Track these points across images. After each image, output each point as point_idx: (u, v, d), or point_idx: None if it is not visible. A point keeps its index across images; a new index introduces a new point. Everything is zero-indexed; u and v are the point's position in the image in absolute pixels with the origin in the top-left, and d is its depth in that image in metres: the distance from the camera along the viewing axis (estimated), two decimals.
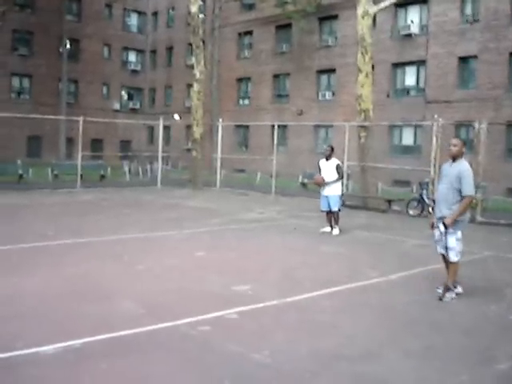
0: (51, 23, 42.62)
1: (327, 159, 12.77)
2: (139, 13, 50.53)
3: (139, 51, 50.56)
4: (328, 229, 12.71)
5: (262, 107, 38.04)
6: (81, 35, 45.25)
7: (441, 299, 7.12)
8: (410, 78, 31.46)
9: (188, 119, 30.60)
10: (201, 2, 26.35)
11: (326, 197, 12.72)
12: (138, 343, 5.33)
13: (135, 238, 11.16)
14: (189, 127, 31.86)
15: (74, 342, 5.17)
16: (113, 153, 42.39)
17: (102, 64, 47.20)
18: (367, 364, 5.00)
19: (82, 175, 22.94)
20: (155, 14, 50.11)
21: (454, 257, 7.28)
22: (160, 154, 25.51)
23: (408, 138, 31.28)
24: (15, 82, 43.18)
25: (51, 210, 15.85)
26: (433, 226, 7.51)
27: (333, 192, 12.72)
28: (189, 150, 28.24)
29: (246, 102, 40.96)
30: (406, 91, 31.63)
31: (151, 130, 46.57)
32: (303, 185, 26.13)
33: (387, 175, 25.35)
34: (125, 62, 49.72)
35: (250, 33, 40.30)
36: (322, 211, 12.98)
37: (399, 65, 31.47)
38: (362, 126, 19.32)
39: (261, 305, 6.65)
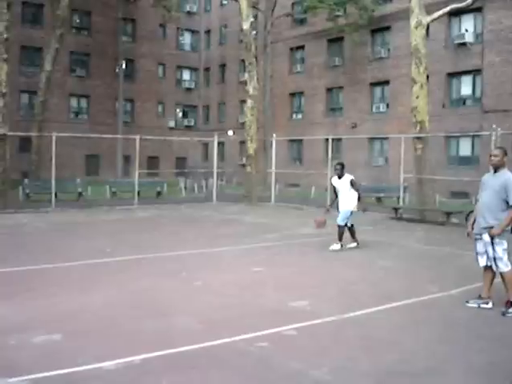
0: (107, 44, 43.78)
1: (339, 177, 12.22)
2: (192, 31, 51.33)
3: (193, 69, 51.30)
4: (338, 245, 11.98)
5: (316, 121, 37.98)
6: (136, 55, 46.26)
7: (504, 314, 6.92)
8: (465, 87, 30.90)
9: (242, 135, 30.84)
10: (253, 19, 26.57)
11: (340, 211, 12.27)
12: (197, 359, 5.34)
13: (192, 254, 11.25)
14: (243, 143, 32.06)
15: (135, 358, 5.23)
16: (169, 170, 43.01)
17: (156, 83, 48.08)
18: (430, 380, 4.88)
19: (139, 192, 23.33)
20: (208, 32, 50.81)
21: (504, 267, 7.07)
22: (215, 170, 25.72)
23: (465, 149, 30.66)
24: (73, 102, 44.40)
25: (110, 227, 16.15)
26: (468, 235, 7.36)
27: (344, 207, 12.14)
28: (243, 166, 28.38)
29: (300, 116, 40.99)
30: (462, 101, 31.06)
31: (206, 147, 47.07)
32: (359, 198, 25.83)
33: (444, 187, 24.88)
34: (179, 80, 50.49)
35: (301, 47, 40.44)
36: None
37: (454, 74, 30.95)
38: (417, 138, 19.04)
39: (319, 321, 6.59)
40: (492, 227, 7.01)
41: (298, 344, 5.84)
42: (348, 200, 12.10)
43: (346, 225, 12.13)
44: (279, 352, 5.52)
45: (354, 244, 12.24)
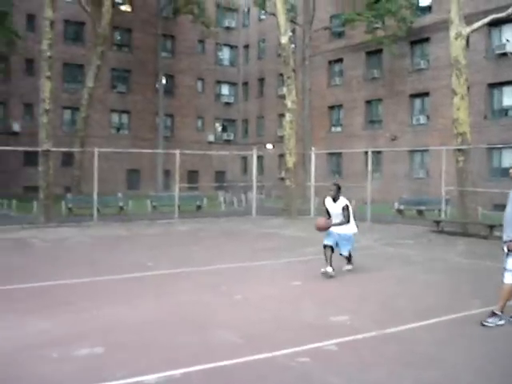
0: (147, 61, 44.44)
1: (334, 200, 10.61)
2: (231, 46, 51.73)
3: (232, 84, 51.64)
4: (329, 269, 10.24)
5: (355, 134, 37.80)
6: (175, 71, 46.80)
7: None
8: (507, 98, 30.37)
9: (281, 148, 30.85)
10: (291, 33, 26.65)
11: (337, 234, 10.45)
12: (238, 374, 5.34)
13: (232, 268, 11.28)
14: (282, 156, 32.08)
15: (176, 372, 5.26)
16: (208, 183, 43.26)
17: (196, 98, 48.54)
18: None
19: (179, 206, 23.51)
20: (246, 46, 51.15)
21: (508, 279, 7.01)
22: (254, 184, 25.78)
23: (507, 160, 30.05)
24: (114, 118, 45.10)
25: (150, 241, 16.31)
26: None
27: (344, 230, 10.51)
28: (282, 179, 28.36)
29: (338, 129, 40.84)
30: (504, 112, 30.53)
31: (245, 160, 47.24)
32: (399, 211, 25.57)
33: (487, 199, 24.41)
34: (218, 95, 50.87)
35: (340, 60, 40.38)
36: (325, 245, 10.48)
37: (496, 85, 30.47)
38: (459, 150, 18.78)
39: (360, 336, 6.52)
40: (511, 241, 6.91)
41: (339, 359, 5.79)
42: (345, 225, 10.52)
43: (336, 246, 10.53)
44: (320, 367, 5.49)
45: (330, 269, 10.27)
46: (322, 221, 10.52)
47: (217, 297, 8.58)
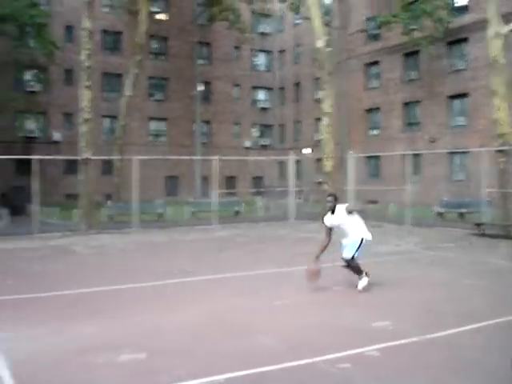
0: (184, 68, 44.82)
1: (332, 212, 9.61)
2: (266, 52, 51.82)
3: (268, 89, 51.70)
4: (364, 279, 9.54)
5: (393, 136, 37.44)
6: (212, 77, 47.07)
7: None
8: None
9: (318, 153, 30.75)
10: (326, 37, 26.57)
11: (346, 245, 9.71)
12: (279, 380, 5.34)
13: (271, 273, 11.28)
14: (319, 160, 31.98)
15: (218, 378, 5.28)
16: (246, 189, 43.34)
17: (232, 104, 48.74)
18: None
19: (217, 212, 23.61)
20: (282, 51, 51.16)
21: None
22: (292, 189, 25.74)
23: None
24: (152, 125, 45.55)
25: (189, 247, 16.42)
26: None
27: (351, 238, 9.64)
28: (320, 183, 28.27)
29: (376, 132, 40.51)
30: None
31: (282, 165, 47.16)
32: (439, 214, 25.21)
33: None
34: (254, 101, 50.97)
35: (376, 63, 40.07)
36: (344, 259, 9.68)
37: None
38: (500, 151, 18.46)
39: (402, 341, 6.45)
40: None
41: (381, 365, 5.74)
42: (354, 230, 9.63)
43: (353, 257, 9.56)
44: (362, 373, 5.45)
45: (365, 280, 9.53)
46: (311, 268, 9.51)
47: (257, 302, 8.59)
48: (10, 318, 7.79)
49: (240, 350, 6.18)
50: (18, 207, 30.14)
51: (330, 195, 9.84)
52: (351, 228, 9.58)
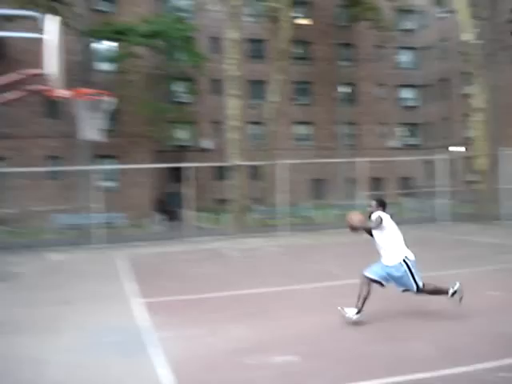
0: (327, 71, 44.85)
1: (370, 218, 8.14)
2: (410, 49, 50.51)
3: (413, 87, 50.35)
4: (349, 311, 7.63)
5: None
6: (355, 78, 46.67)
7: None
8: None
9: (468, 150, 29.44)
10: (475, 29, 25.42)
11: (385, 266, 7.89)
12: None
13: (425, 277, 10.93)
14: (468, 158, 30.63)
15: (371, 383, 5.22)
16: (392, 190, 42.51)
17: (377, 104, 48.00)
18: None
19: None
20: (426, 47, 49.63)
21: None
22: (441, 189, 24.87)
23: None
24: (297, 129, 45.97)
25: (337, 250, 16.39)
26: None
27: (386, 261, 7.88)
28: (471, 183, 27.07)
29: None
30: None
31: (430, 165, 45.68)
32: None
33: None
34: (399, 100, 49.88)
35: None
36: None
37: None
38: None
39: None
40: None
41: None
42: (388, 247, 7.91)
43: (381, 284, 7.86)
44: None
45: (352, 312, 7.61)
46: (354, 217, 8.11)
47: (408, 307, 8.38)
48: (168, 318, 8.22)
49: (392, 355, 6.08)
50: (171, 212, 31.76)
51: (374, 200, 8.28)
52: (384, 242, 7.95)
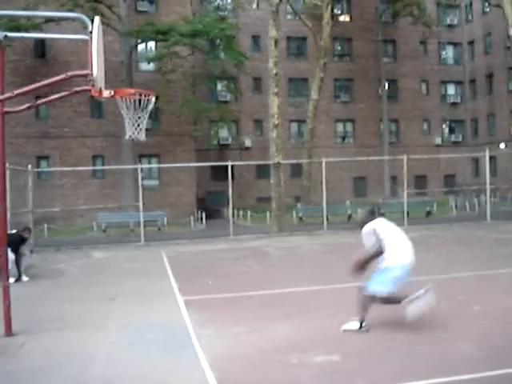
0: (369, 68, 44.47)
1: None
2: (454, 44, 49.67)
3: (457, 83, 49.52)
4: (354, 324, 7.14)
5: None
6: (398, 75, 46.14)
7: None
8: None
9: None
10: None
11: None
12: None
13: (468, 277, 10.76)
14: None
15: None
16: (437, 188, 41.92)
17: (420, 100, 47.36)
18: None
19: (407, 212, 23.07)
20: (471, 43, 48.77)
21: None
22: (487, 187, 24.39)
23: None
24: (339, 127, 45.70)
25: None
26: None
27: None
28: None
29: None
30: None
31: (476, 162, 44.95)
32: None
33: None
34: (443, 96, 49.10)
35: None
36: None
37: None
38: None
39: None
40: None
41: None
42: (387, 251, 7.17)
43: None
44: None
45: (354, 325, 7.15)
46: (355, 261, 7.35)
47: (453, 307, 8.24)
48: (210, 316, 8.26)
49: (438, 356, 5.97)
50: (214, 211, 31.96)
51: (363, 210, 7.64)
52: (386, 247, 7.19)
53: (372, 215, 7.42)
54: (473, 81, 48.81)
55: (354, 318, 7.12)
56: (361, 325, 7.07)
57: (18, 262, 12.08)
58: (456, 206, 30.31)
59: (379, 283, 6.98)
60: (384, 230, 7.25)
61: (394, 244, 7.20)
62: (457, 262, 12.71)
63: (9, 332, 7.52)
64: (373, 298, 7.03)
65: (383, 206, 27.91)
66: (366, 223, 7.29)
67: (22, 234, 12.51)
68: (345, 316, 7.79)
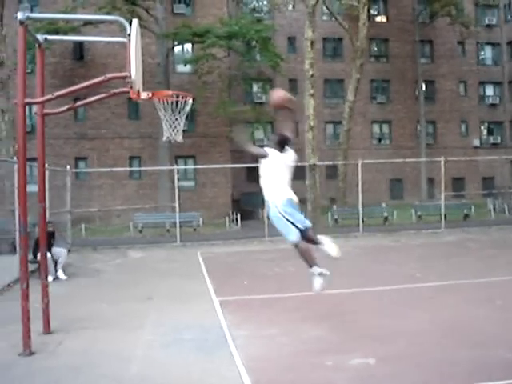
0: (405, 69, 44.04)
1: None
2: (493, 44, 48.87)
3: (496, 83, 48.71)
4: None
5: None
6: (435, 76, 45.60)
7: None
8: None
9: None
10: None
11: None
12: None
13: (506, 281, 10.57)
14: None
15: None
16: (475, 191, 41.30)
17: (458, 101, 46.71)
18: None
19: (445, 215, 22.78)
20: (510, 43, 47.94)
21: None
22: None
23: None
24: (375, 128, 45.33)
25: (417, 252, 16.06)
26: None
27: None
28: None
29: None
30: None
31: None
32: None
33: None
34: (482, 97, 48.34)
35: None
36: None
37: None
38: None
39: None
40: None
41: None
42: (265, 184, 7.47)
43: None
44: None
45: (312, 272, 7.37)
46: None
47: (491, 312, 8.10)
48: (245, 317, 8.28)
49: (473, 361, 5.87)
50: (249, 212, 32.02)
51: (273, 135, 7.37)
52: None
53: (279, 144, 7.27)
54: None
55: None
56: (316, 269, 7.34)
57: (53, 259, 12.28)
58: (494, 209, 29.80)
59: (286, 233, 7.15)
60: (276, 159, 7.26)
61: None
62: (495, 266, 12.50)
63: (47, 330, 7.65)
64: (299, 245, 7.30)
65: (419, 208, 27.71)
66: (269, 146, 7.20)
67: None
68: (380, 319, 7.76)
